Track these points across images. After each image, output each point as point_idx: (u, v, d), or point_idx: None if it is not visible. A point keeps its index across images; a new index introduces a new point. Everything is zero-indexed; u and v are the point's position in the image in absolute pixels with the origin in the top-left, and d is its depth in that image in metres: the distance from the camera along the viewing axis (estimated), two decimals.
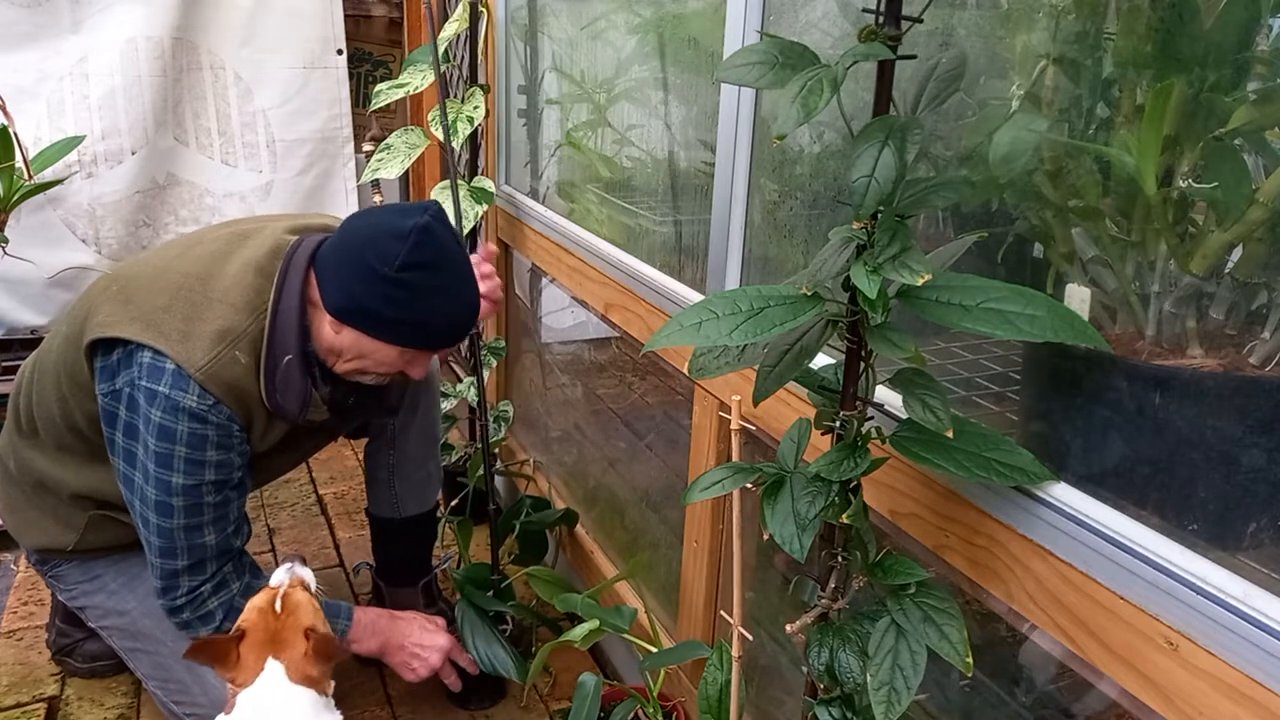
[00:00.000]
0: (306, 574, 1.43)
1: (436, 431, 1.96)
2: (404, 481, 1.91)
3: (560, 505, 2.14)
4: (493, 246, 1.75)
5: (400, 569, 1.97)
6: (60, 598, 1.72)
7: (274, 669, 1.26)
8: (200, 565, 1.48)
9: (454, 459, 2.41)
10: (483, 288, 1.55)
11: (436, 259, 1.39)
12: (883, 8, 0.79)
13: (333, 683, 1.34)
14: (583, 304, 2.05)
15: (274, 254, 1.48)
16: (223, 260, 1.48)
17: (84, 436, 1.54)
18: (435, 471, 1.97)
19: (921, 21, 0.81)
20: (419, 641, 1.67)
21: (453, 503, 2.22)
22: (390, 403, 1.82)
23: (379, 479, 1.92)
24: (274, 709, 1.26)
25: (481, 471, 1.99)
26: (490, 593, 1.83)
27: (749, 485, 0.96)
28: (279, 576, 1.39)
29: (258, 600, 1.34)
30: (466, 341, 1.85)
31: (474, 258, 1.59)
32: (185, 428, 1.39)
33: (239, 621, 1.32)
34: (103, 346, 1.44)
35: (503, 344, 2.31)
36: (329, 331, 1.45)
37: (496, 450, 2.40)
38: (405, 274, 1.37)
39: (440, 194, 2.16)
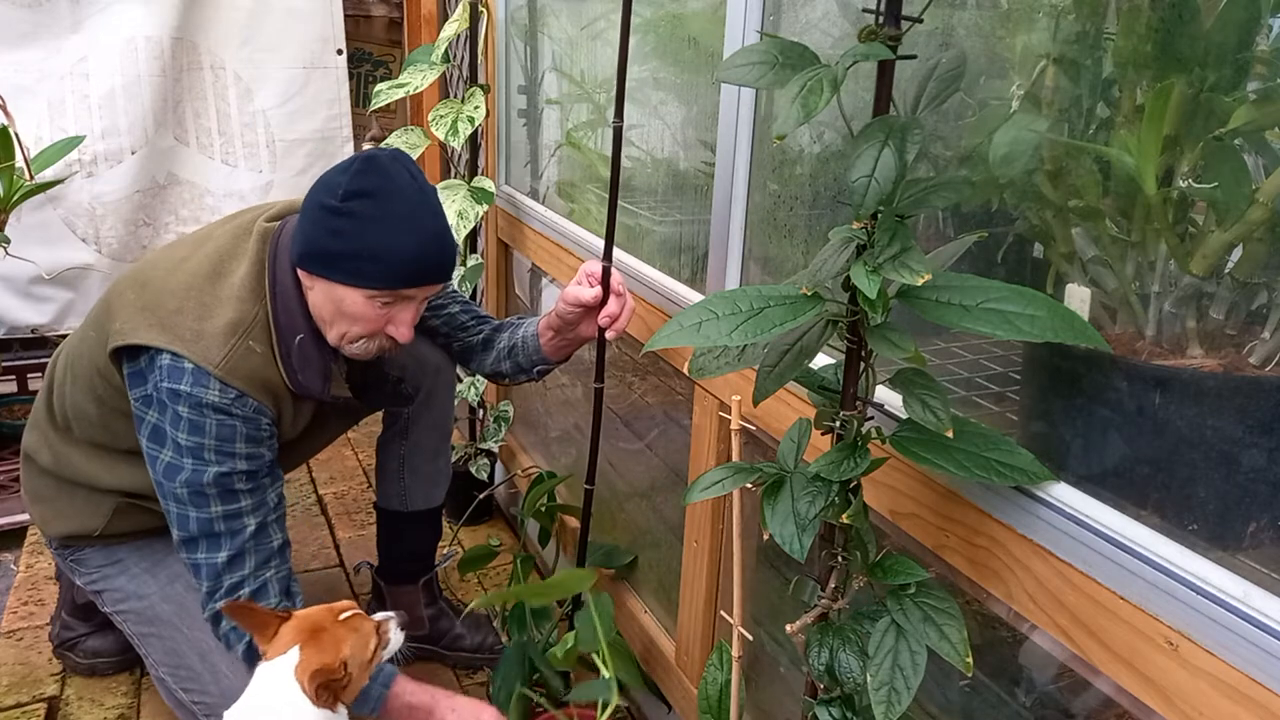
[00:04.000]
0: (395, 636, 1.41)
1: (449, 426, 1.96)
2: (413, 474, 1.91)
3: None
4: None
5: (403, 565, 1.97)
6: (79, 582, 1.72)
7: (292, 656, 1.27)
8: (240, 558, 1.46)
9: (454, 458, 2.41)
10: (613, 305, 1.53)
11: (381, 186, 1.36)
12: (883, 8, 0.79)
13: (344, 709, 1.32)
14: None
15: (262, 241, 1.49)
16: (227, 258, 1.49)
17: (119, 434, 1.55)
18: (445, 468, 1.97)
19: (921, 21, 0.81)
20: None
21: (468, 511, 2.22)
22: (405, 390, 1.82)
23: (389, 470, 1.92)
24: (281, 690, 1.25)
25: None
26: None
27: (749, 485, 0.96)
28: (377, 616, 1.40)
29: (335, 604, 1.35)
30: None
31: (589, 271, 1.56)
32: (213, 421, 1.40)
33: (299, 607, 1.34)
34: (127, 353, 1.45)
35: None
36: (308, 295, 1.46)
37: (496, 448, 2.41)
38: (348, 203, 1.35)
39: (440, 195, 2.16)
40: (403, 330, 1.47)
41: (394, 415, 1.89)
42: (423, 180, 1.43)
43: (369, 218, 1.37)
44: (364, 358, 1.52)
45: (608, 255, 1.52)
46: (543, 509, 1.99)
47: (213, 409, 1.40)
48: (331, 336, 1.48)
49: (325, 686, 1.26)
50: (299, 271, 1.44)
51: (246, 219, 1.55)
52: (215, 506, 1.44)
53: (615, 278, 1.53)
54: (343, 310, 1.43)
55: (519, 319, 1.76)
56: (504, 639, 1.89)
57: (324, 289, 1.42)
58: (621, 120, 1.45)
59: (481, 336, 1.78)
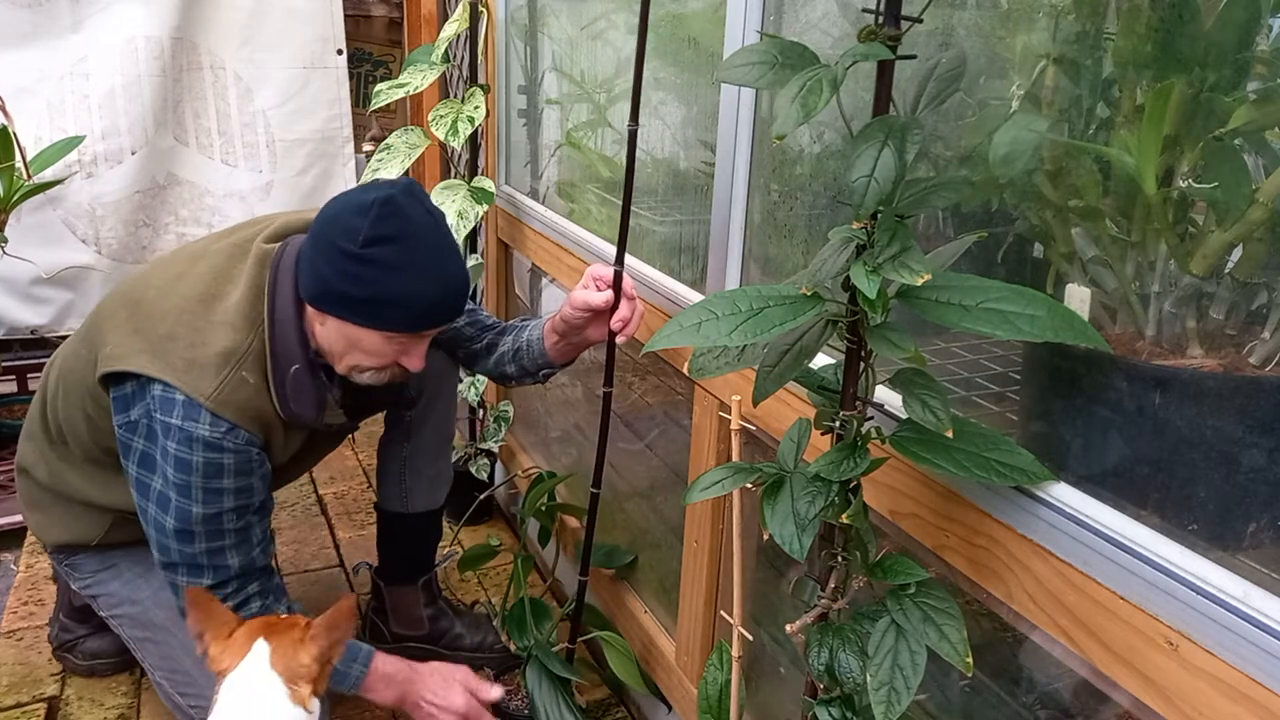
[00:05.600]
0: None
1: (451, 428, 1.96)
2: (415, 476, 1.91)
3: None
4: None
5: (402, 566, 1.97)
6: (74, 586, 1.72)
7: (260, 650, 1.23)
8: (224, 584, 1.47)
9: (454, 458, 2.41)
10: (624, 309, 1.52)
11: (401, 232, 1.34)
12: (883, 8, 0.79)
13: (317, 702, 1.27)
14: None
15: (261, 265, 1.45)
16: (222, 279, 1.45)
17: (113, 453, 1.54)
18: (446, 470, 1.97)
19: (921, 21, 0.81)
20: (435, 700, 1.59)
21: (468, 513, 2.22)
22: (408, 395, 1.82)
23: (390, 472, 1.92)
24: (251, 693, 1.21)
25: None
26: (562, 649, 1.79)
27: (749, 485, 0.96)
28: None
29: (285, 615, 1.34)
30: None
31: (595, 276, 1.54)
32: (201, 458, 1.38)
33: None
34: (114, 378, 1.43)
35: None
36: (316, 327, 1.44)
37: (496, 448, 2.41)
38: (369, 249, 1.33)
39: (440, 194, 2.16)
40: (415, 361, 1.47)
41: (396, 418, 1.89)
42: (438, 215, 1.42)
43: (390, 265, 1.35)
44: (374, 384, 1.51)
45: (620, 259, 1.50)
46: (543, 508, 1.99)
47: (203, 444, 1.37)
48: (341, 368, 1.46)
49: (300, 677, 1.24)
50: (310, 308, 1.42)
51: (243, 236, 1.51)
52: (200, 544, 1.43)
53: (627, 282, 1.52)
54: (357, 347, 1.42)
55: (523, 321, 1.76)
56: (504, 638, 1.89)
57: (338, 327, 1.40)
58: (636, 124, 1.43)
59: (485, 343, 1.77)
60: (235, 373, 1.39)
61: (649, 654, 1.79)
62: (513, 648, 1.83)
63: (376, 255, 1.34)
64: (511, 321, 1.79)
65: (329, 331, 1.42)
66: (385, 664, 1.59)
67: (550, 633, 1.79)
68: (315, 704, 1.27)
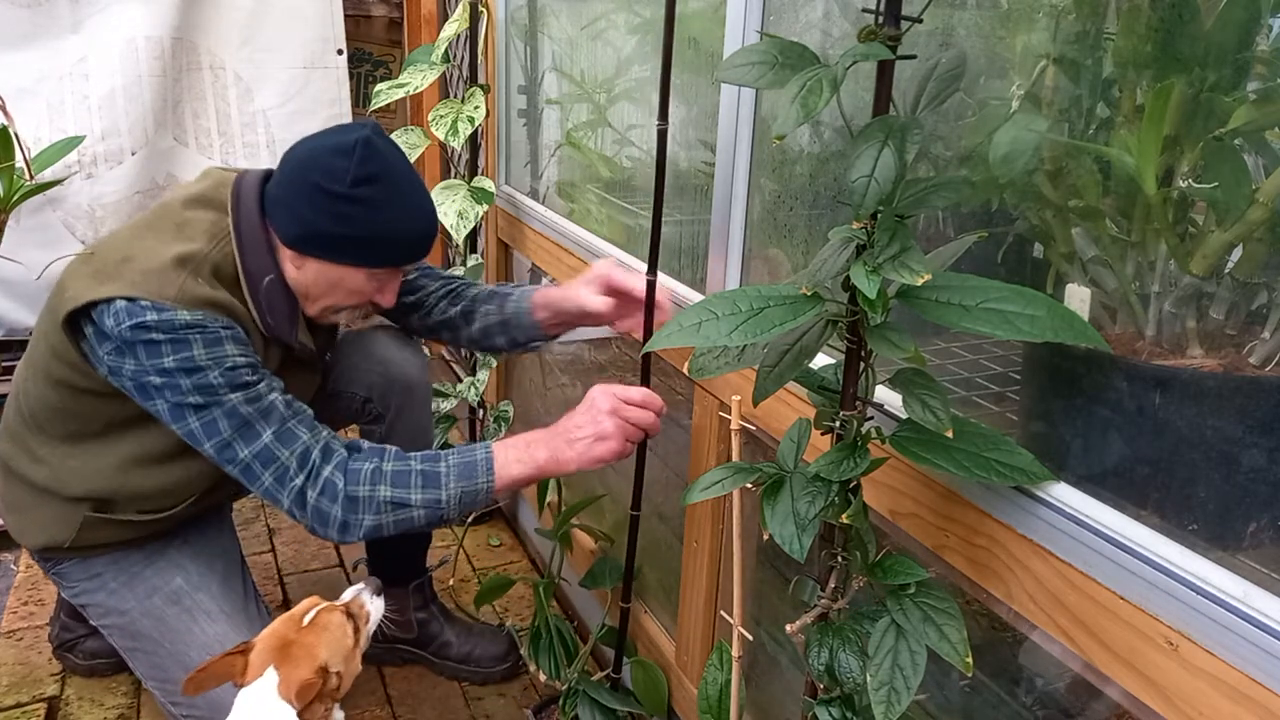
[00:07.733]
0: (373, 606, 1.37)
1: (428, 440, 1.91)
2: None
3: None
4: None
5: (391, 570, 1.96)
6: (64, 595, 1.72)
7: (270, 679, 1.23)
8: (287, 432, 1.39)
9: None
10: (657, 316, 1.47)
11: (384, 170, 1.37)
12: (883, 8, 0.79)
13: (342, 713, 1.30)
14: None
15: (220, 186, 1.47)
16: (173, 210, 1.47)
17: (86, 416, 1.53)
18: None
19: (921, 21, 0.81)
20: (582, 422, 1.43)
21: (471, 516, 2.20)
22: (373, 409, 1.80)
23: None
24: (265, 714, 1.21)
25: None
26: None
27: (749, 485, 0.96)
28: (345, 595, 1.37)
29: (296, 609, 1.31)
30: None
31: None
32: (195, 334, 1.35)
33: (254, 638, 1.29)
34: (83, 318, 1.41)
35: None
36: (292, 270, 1.44)
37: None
38: (357, 189, 1.35)
39: (440, 194, 2.16)
40: (389, 297, 1.50)
41: (367, 434, 1.85)
42: (404, 156, 1.45)
43: (378, 203, 1.37)
44: (345, 323, 1.53)
45: (652, 268, 1.43)
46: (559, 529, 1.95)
47: (186, 325, 1.35)
48: (314, 310, 1.47)
49: (317, 699, 1.23)
50: (288, 251, 1.43)
51: (194, 179, 1.56)
52: (232, 394, 1.37)
53: (663, 296, 1.44)
54: (339, 286, 1.44)
55: (503, 290, 1.72)
56: (532, 667, 1.84)
57: (319, 269, 1.42)
58: (666, 122, 1.39)
59: (460, 309, 1.73)
60: (192, 276, 1.38)
61: (649, 654, 1.79)
62: (543, 677, 1.79)
63: (366, 194, 1.36)
64: (488, 287, 1.74)
65: (307, 274, 1.44)
66: (508, 444, 1.47)
67: (581, 664, 1.76)
68: (339, 713, 1.29)
